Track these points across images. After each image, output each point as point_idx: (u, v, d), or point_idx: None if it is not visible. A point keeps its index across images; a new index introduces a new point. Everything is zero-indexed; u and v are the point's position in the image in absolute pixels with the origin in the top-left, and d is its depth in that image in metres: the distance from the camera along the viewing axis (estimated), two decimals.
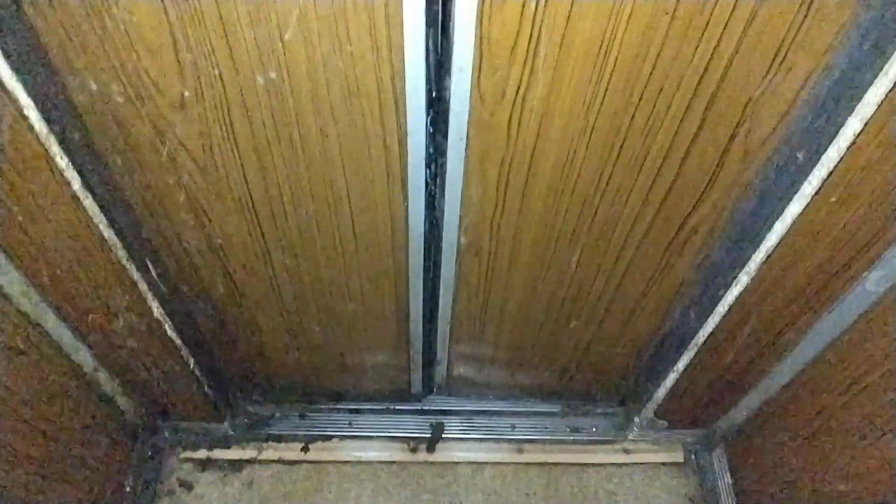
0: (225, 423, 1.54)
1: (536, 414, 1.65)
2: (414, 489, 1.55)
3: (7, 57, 0.74)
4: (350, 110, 0.84)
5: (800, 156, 0.87)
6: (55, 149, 0.84)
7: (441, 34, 0.76)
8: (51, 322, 1.08)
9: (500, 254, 1.11)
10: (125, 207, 1.00)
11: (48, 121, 0.81)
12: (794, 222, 0.92)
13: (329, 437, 1.60)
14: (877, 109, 0.76)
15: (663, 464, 1.61)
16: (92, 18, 0.72)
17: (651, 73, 0.79)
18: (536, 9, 0.71)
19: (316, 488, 1.54)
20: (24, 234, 0.92)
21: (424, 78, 0.80)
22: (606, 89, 0.81)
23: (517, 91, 0.82)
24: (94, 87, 0.80)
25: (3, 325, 0.98)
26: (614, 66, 0.78)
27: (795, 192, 0.89)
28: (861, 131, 0.79)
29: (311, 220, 1.03)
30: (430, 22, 0.74)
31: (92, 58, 0.77)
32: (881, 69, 0.73)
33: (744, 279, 1.04)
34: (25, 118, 0.79)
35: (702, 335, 1.19)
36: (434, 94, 0.83)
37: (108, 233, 0.97)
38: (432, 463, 1.59)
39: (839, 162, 0.82)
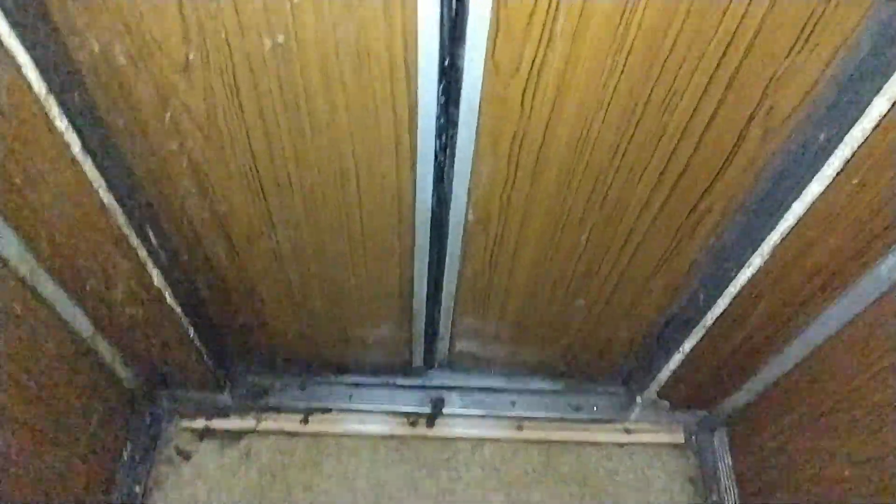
0: (224, 392, 1.54)
1: (537, 391, 1.64)
2: (413, 464, 1.55)
3: (5, 12, 0.71)
4: (359, 76, 0.81)
5: (822, 136, 0.84)
6: (55, 110, 0.81)
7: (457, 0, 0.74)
8: (49, 288, 1.07)
9: (509, 229, 1.09)
10: (126, 172, 0.97)
11: (48, 81, 0.79)
12: (812, 204, 0.90)
13: (329, 410, 1.59)
14: None
15: (664, 444, 1.60)
16: None
17: (672, 47, 0.76)
18: None
19: (314, 460, 1.54)
20: (21, 197, 0.90)
21: (438, 45, 0.77)
22: (625, 63, 0.78)
23: (533, 62, 0.79)
24: (95, 46, 0.78)
25: (1, 291, 0.97)
26: (634, 39, 0.75)
27: (816, 173, 0.86)
28: (888, 112, 0.76)
29: (317, 191, 1.01)
30: None
31: (94, 15, 0.74)
32: None
33: (756, 262, 1.02)
34: (24, 77, 0.76)
35: (710, 317, 1.17)
36: (447, 63, 0.81)
37: (108, 198, 0.95)
38: (432, 438, 1.58)
39: (863, 142, 0.80)
